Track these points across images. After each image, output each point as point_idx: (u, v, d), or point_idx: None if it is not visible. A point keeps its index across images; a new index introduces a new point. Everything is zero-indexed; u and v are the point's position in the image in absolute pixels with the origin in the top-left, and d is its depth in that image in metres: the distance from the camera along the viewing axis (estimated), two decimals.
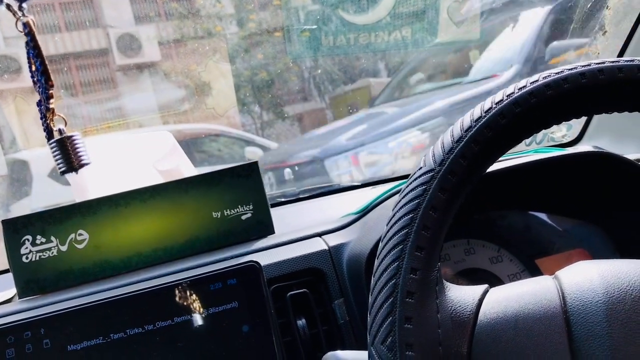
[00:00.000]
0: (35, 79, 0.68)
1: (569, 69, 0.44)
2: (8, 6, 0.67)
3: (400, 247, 0.41)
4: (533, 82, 0.45)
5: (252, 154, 3.40)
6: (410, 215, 0.42)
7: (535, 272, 0.73)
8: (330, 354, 0.51)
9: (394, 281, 0.40)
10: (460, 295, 0.43)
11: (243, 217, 0.73)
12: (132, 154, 0.80)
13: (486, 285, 0.44)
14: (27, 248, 0.69)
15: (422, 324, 0.39)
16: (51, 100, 0.67)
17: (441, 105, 2.85)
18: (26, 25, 0.67)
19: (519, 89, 0.44)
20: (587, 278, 0.41)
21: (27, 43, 0.68)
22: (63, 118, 0.70)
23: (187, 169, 0.82)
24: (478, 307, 0.42)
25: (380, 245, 0.43)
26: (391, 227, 0.42)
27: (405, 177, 0.97)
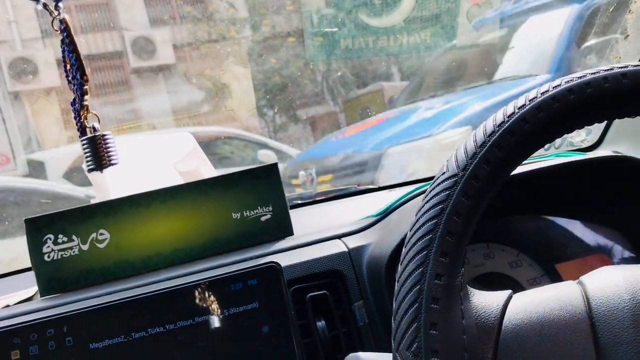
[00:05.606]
0: (70, 77, 0.69)
1: (592, 73, 0.44)
2: (45, 5, 0.68)
3: (424, 252, 0.41)
4: (555, 86, 0.44)
5: (265, 156, 3.39)
6: (435, 221, 0.42)
7: (555, 277, 0.72)
8: (351, 355, 0.51)
9: (418, 287, 0.40)
10: (485, 301, 0.43)
11: (262, 219, 0.73)
12: (153, 154, 0.80)
13: (510, 291, 0.44)
14: (49, 247, 0.69)
15: (448, 330, 0.39)
16: (85, 97, 0.68)
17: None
18: (62, 22, 0.69)
19: (541, 94, 0.44)
20: (612, 283, 0.41)
21: (62, 40, 0.69)
22: (96, 116, 0.71)
23: (208, 171, 0.82)
24: (503, 313, 0.42)
25: (404, 250, 0.43)
26: (415, 232, 0.42)
27: (422, 180, 0.96)
